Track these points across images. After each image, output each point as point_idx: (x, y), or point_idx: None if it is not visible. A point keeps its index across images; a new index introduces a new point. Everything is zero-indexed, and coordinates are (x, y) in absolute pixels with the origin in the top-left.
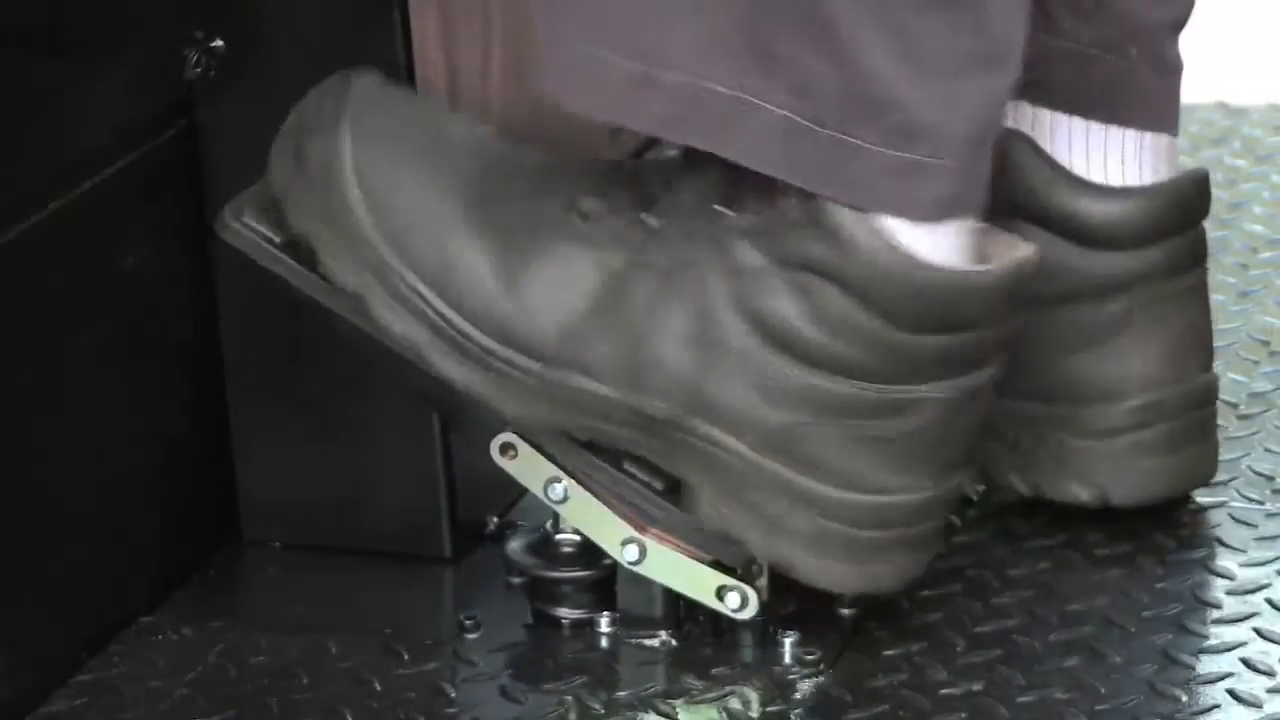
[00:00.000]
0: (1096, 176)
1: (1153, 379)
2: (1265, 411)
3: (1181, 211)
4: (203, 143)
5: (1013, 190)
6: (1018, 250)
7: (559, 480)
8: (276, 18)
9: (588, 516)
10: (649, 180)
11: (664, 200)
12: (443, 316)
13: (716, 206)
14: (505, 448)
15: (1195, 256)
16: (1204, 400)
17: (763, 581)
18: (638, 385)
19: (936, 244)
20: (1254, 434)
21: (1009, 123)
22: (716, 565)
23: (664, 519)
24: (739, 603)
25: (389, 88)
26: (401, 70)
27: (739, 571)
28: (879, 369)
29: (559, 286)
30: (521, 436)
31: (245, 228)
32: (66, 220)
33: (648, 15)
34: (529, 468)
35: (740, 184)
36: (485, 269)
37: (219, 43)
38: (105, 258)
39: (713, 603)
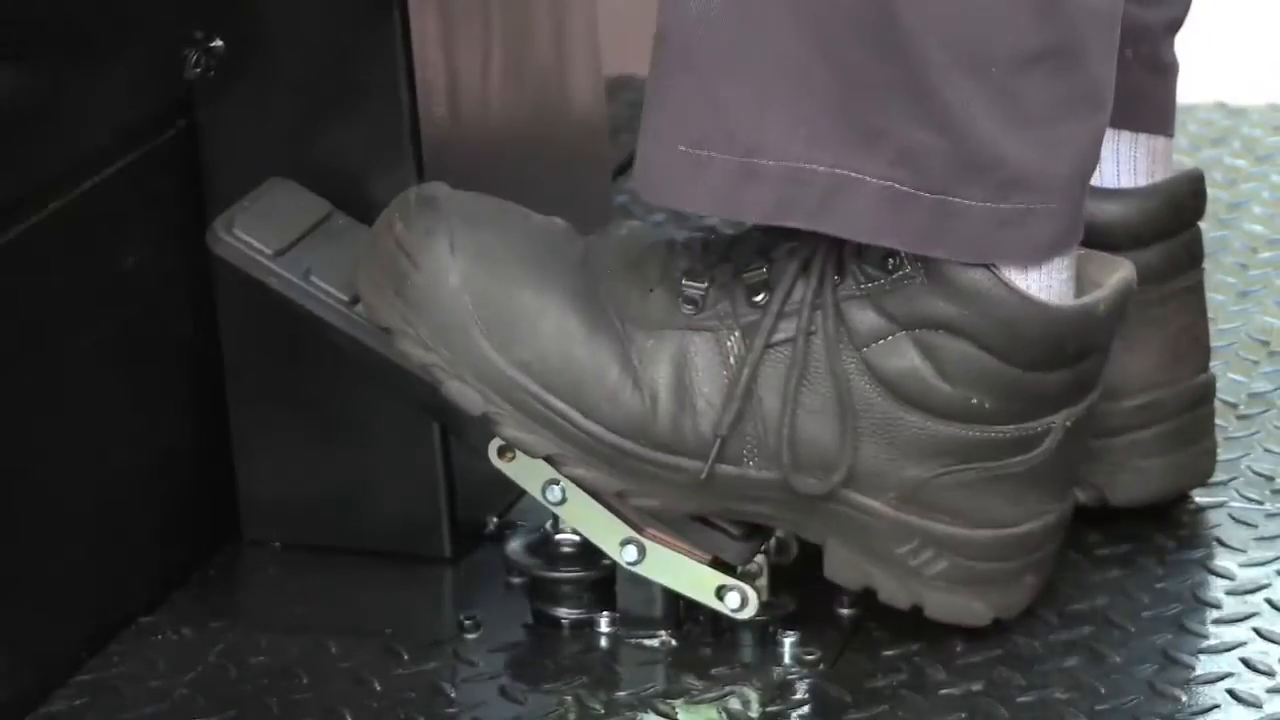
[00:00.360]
0: (1092, 179)
1: (1150, 380)
2: (1265, 411)
3: (1176, 212)
4: (203, 143)
5: None
6: (1119, 269)
7: (557, 482)
8: (276, 18)
9: (586, 517)
10: (743, 254)
11: (769, 275)
12: (578, 427)
13: (829, 276)
14: (503, 450)
15: (1192, 257)
16: (1201, 400)
17: (762, 581)
18: (792, 465)
19: (1050, 281)
20: (1254, 434)
21: None
22: (716, 564)
23: (665, 523)
24: (739, 602)
25: (472, 196)
26: (401, 71)
27: (739, 571)
28: (1011, 410)
29: (691, 383)
30: None
31: (236, 240)
32: (66, 220)
33: (744, 108)
34: (527, 470)
35: (846, 249)
36: (614, 375)
37: (219, 43)
38: (105, 258)
39: (712, 602)
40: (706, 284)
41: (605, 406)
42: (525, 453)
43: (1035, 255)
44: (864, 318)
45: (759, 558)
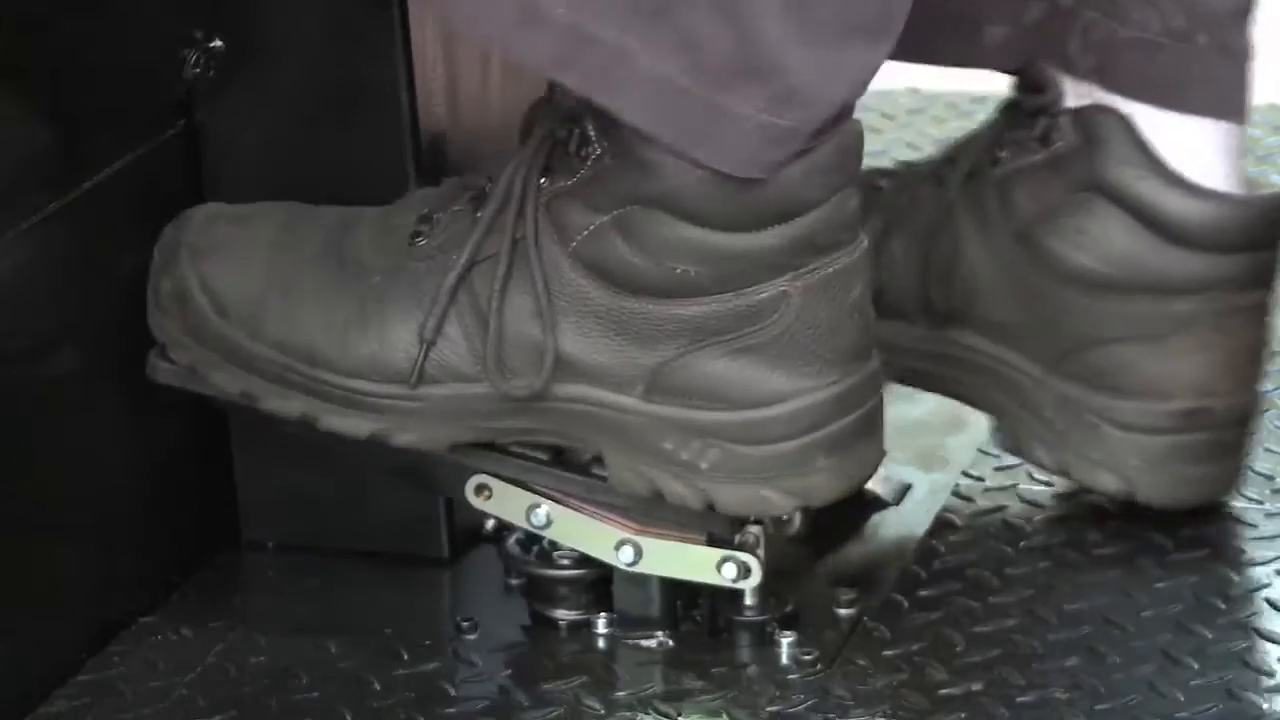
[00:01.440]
0: (1159, 159)
1: (1204, 386)
2: (1265, 411)
3: (1271, 227)
4: (203, 143)
5: (1097, 168)
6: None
7: (539, 505)
8: (276, 18)
9: (575, 532)
10: (479, 178)
11: (489, 191)
12: (319, 380)
13: (533, 179)
14: (480, 489)
15: (1271, 275)
16: (1248, 415)
17: (762, 551)
18: (501, 372)
19: None
20: (1254, 434)
21: (1098, 100)
22: (711, 541)
23: (646, 511)
24: (742, 572)
25: (224, 208)
26: (401, 71)
27: (735, 543)
28: (726, 277)
29: (410, 307)
30: (489, 473)
31: (173, 365)
32: (66, 220)
33: None
34: (506, 502)
35: (555, 154)
36: (342, 322)
37: (218, 43)
38: (105, 258)
39: (717, 580)
40: (439, 216)
41: (342, 357)
42: (286, 420)
43: (779, 170)
44: (570, 211)
45: (754, 528)
